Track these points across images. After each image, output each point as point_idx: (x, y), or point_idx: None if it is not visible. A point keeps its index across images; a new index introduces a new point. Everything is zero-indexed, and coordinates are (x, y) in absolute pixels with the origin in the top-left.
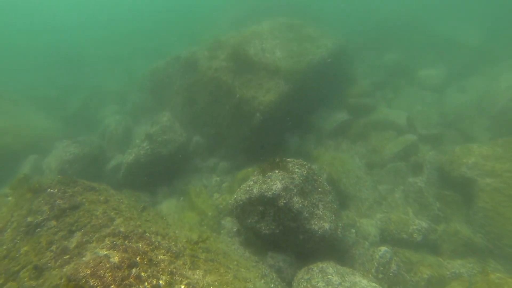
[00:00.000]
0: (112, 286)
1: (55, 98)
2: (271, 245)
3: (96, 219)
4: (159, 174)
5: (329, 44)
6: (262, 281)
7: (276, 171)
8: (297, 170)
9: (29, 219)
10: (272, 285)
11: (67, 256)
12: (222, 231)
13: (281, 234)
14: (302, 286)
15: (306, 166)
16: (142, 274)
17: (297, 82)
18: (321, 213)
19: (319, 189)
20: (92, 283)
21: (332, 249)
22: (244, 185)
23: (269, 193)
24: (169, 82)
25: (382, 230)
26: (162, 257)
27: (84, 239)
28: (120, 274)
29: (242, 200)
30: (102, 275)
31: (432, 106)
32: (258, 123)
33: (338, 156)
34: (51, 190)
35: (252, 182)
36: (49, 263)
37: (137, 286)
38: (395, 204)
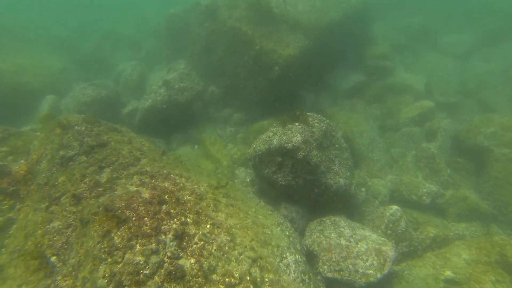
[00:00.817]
0: (146, 218)
1: (67, 40)
2: (285, 196)
3: (123, 158)
4: (175, 122)
5: (353, 0)
6: (278, 228)
7: (297, 124)
8: (316, 124)
9: (61, 152)
10: (287, 233)
11: (101, 189)
12: (236, 181)
13: (297, 186)
14: (314, 236)
15: (325, 122)
16: (172, 211)
17: (317, 39)
18: (337, 169)
19: (336, 145)
20: (128, 214)
21: (344, 204)
22: (264, 136)
23: (289, 144)
24: (186, 30)
25: (392, 190)
26: (187, 197)
27: (114, 175)
28: (152, 209)
29: (261, 150)
30: (136, 207)
31: (453, 74)
32: (276, 77)
33: (353, 116)
34: (79, 128)
35: (271, 133)
36: (85, 193)
37: (167, 221)
38: (406, 168)
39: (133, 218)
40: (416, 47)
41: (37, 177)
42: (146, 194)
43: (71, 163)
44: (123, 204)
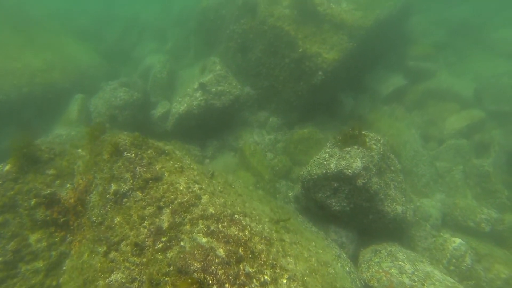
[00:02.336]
0: (227, 284)
1: (91, 29)
2: (334, 218)
3: (182, 195)
4: (210, 126)
5: None
6: (339, 264)
7: (355, 147)
8: (374, 146)
9: (113, 186)
10: (347, 268)
11: (165, 238)
12: (277, 196)
13: (350, 211)
14: (373, 270)
15: (381, 142)
16: (250, 270)
17: (361, 39)
18: (393, 195)
19: (392, 168)
20: (206, 279)
21: (396, 230)
22: (318, 158)
23: (349, 171)
24: (220, 24)
25: (445, 214)
26: (259, 246)
27: (177, 220)
28: (231, 272)
29: (316, 174)
30: (214, 271)
31: (505, 77)
32: (319, 82)
33: (395, 124)
34: (128, 155)
35: (327, 155)
36: (147, 241)
37: (249, 285)
38: (454, 185)
39: (214, 287)
40: (459, 44)
41: (89, 211)
42: (221, 251)
43: (125, 199)
44: (198, 266)
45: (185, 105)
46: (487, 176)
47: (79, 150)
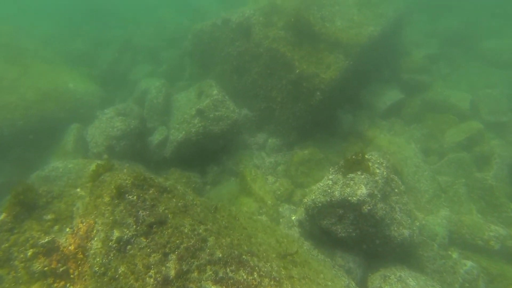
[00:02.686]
0: None
1: (84, 53)
2: (339, 242)
3: (187, 239)
4: (209, 152)
5: (390, 12)
6: None
7: (359, 173)
8: (377, 170)
9: (116, 233)
10: None
11: None
12: (281, 220)
13: (357, 237)
14: None
15: (384, 165)
16: None
17: (356, 57)
18: (399, 218)
19: (396, 190)
20: None
21: (404, 253)
22: (322, 185)
23: (354, 198)
24: (215, 47)
25: (452, 232)
26: None
27: (184, 267)
28: None
29: (321, 202)
30: None
31: (500, 86)
32: (317, 103)
33: (395, 140)
34: (130, 197)
35: (331, 182)
36: None
37: None
38: (458, 200)
39: None
40: (451, 54)
41: (91, 259)
42: None
43: (129, 246)
44: None
45: (184, 132)
46: (491, 189)
47: (78, 190)
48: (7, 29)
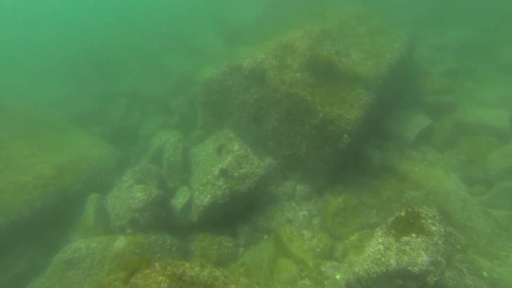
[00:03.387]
0: None
1: (93, 111)
2: None
3: None
4: (237, 211)
5: (403, 35)
6: None
7: (413, 235)
8: (433, 228)
9: None
10: None
11: None
12: (325, 282)
13: None
14: None
15: (437, 218)
16: None
17: (378, 89)
18: (470, 282)
19: (457, 246)
20: None
21: None
22: (372, 251)
23: (415, 268)
24: (228, 95)
25: None
26: None
27: None
28: None
29: (376, 272)
30: None
31: None
32: (345, 146)
33: (431, 173)
34: None
35: (382, 248)
36: None
37: None
38: None
39: None
40: (471, 67)
41: None
42: None
43: None
44: None
45: (209, 196)
46: None
47: None
48: (20, 106)
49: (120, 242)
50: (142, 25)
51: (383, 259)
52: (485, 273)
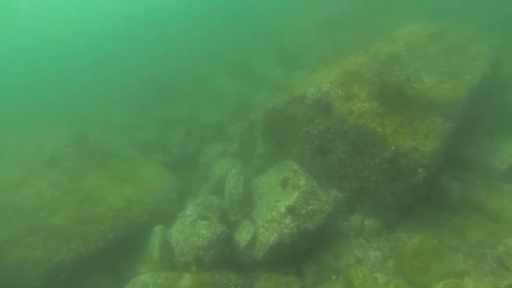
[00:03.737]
0: None
1: (155, 138)
2: None
3: None
4: (303, 249)
5: (486, 50)
6: None
7: None
8: None
9: None
10: None
11: None
12: None
13: None
14: None
15: None
16: None
17: (457, 116)
18: None
19: None
20: None
21: None
22: None
23: None
24: (290, 125)
25: None
26: None
27: None
28: None
29: None
30: None
31: None
32: (420, 181)
33: None
34: None
35: None
36: None
37: None
38: None
39: None
40: None
41: None
42: None
43: None
44: None
45: (275, 234)
46: None
47: None
48: (96, 136)
49: (186, 280)
50: (193, 49)
51: None
52: None
